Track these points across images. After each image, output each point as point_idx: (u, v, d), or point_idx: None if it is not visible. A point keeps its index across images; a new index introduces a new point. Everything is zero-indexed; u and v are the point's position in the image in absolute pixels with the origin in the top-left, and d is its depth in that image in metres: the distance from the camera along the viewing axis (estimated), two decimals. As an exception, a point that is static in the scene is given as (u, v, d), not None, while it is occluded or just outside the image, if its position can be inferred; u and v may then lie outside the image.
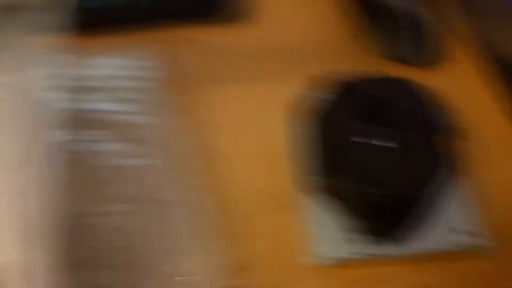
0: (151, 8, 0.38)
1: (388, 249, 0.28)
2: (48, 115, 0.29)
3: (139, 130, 0.32)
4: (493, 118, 0.37)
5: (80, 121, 0.32)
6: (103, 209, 0.28)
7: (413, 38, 0.40)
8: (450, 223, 0.29)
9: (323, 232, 0.29)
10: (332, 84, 0.31)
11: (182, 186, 0.29)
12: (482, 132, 0.35)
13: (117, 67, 0.35)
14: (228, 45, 0.40)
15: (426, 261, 0.29)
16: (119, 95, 0.34)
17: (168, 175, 0.30)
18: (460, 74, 0.40)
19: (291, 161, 0.32)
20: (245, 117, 0.35)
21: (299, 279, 0.28)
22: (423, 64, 0.40)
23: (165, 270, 0.27)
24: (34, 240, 0.20)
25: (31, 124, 0.27)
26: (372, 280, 0.28)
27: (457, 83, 0.39)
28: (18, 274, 0.18)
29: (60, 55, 0.31)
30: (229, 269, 0.27)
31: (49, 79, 0.31)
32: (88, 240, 0.27)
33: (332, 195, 0.30)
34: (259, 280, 0.27)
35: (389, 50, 0.40)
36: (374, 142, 0.28)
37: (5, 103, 0.26)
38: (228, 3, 0.40)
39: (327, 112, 0.29)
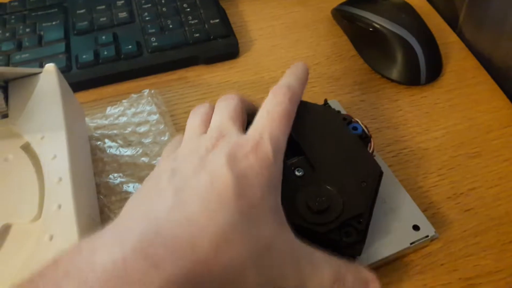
0: (150, 59, 0.43)
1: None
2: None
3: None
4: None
5: (107, 165, 0.36)
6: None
7: (406, 57, 0.41)
8: (399, 223, 0.31)
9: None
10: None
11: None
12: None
13: (127, 115, 0.39)
14: (220, 81, 0.43)
15: (387, 263, 0.31)
16: (134, 139, 0.38)
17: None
18: (460, 87, 0.42)
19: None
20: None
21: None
22: (418, 82, 0.42)
23: None
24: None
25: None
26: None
27: (457, 97, 0.41)
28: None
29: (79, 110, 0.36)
30: None
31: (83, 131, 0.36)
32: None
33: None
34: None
35: (384, 69, 0.42)
36: (296, 173, 0.29)
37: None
38: (219, 49, 0.44)
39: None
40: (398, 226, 0.31)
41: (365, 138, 0.33)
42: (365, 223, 0.28)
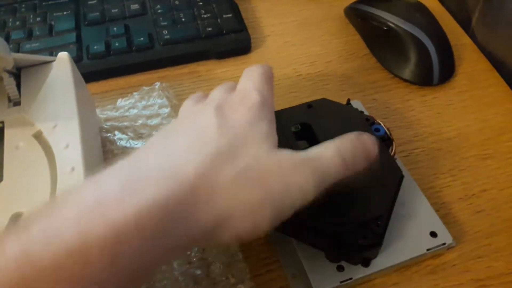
0: (161, 52, 0.43)
1: (372, 269, 0.29)
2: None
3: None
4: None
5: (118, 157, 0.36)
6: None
7: (419, 57, 0.41)
8: (416, 228, 0.30)
9: (313, 264, 0.29)
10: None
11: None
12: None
13: (138, 107, 0.39)
14: (231, 76, 0.43)
15: (403, 269, 0.31)
16: (145, 132, 0.38)
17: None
18: (472, 89, 0.42)
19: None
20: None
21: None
22: (431, 82, 0.42)
23: None
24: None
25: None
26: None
27: (469, 99, 0.41)
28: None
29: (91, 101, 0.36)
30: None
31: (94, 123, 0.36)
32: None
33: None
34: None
35: (397, 69, 0.42)
36: None
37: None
38: (231, 44, 0.44)
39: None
40: (416, 231, 0.30)
41: (386, 141, 0.32)
42: (383, 226, 0.28)
